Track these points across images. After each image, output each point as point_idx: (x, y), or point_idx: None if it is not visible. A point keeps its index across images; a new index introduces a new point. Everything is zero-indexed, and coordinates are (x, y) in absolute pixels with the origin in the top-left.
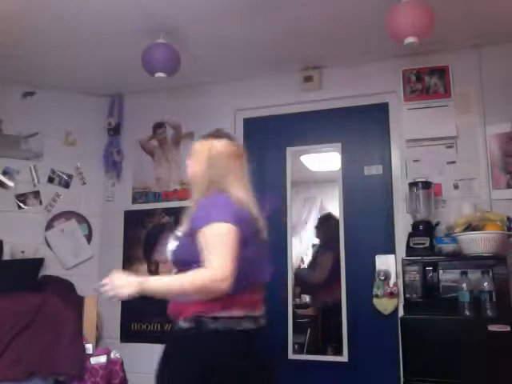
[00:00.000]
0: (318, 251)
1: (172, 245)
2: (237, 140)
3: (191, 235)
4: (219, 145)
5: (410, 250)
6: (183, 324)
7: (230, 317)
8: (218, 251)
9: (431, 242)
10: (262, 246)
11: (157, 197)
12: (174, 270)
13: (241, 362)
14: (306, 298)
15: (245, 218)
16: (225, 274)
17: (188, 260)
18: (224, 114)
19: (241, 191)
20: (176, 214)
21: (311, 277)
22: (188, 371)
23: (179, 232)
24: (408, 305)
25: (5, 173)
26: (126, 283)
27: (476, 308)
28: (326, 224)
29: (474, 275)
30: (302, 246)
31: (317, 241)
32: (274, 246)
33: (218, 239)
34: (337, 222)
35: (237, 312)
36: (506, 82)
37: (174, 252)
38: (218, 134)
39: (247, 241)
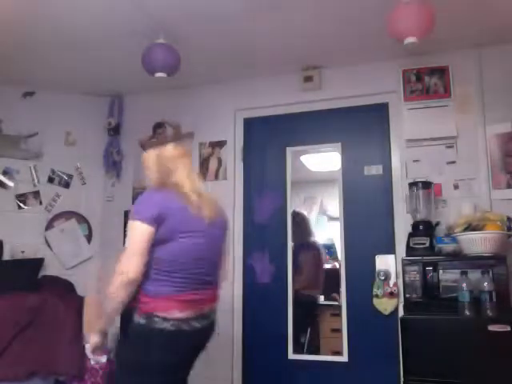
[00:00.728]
0: (297, 253)
1: None
2: (181, 143)
3: None
4: (165, 150)
5: (409, 250)
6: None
7: (151, 316)
8: (127, 249)
9: (431, 242)
10: (202, 244)
11: None
12: None
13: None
14: None
15: (170, 217)
16: (125, 269)
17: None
18: (224, 114)
19: (186, 186)
20: None
21: (300, 282)
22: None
23: None
24: (408, 305)
25: (5, 173)
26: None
27: (476, 308)
28: (294, 222)
29: (474, 275)
30: None
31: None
32: (273, 245)
33: (129, 237)
34: (303, 219)
35: (157, 312)
36: (506, 82)
37: None
38: (162, 141)
39: (171, 239)
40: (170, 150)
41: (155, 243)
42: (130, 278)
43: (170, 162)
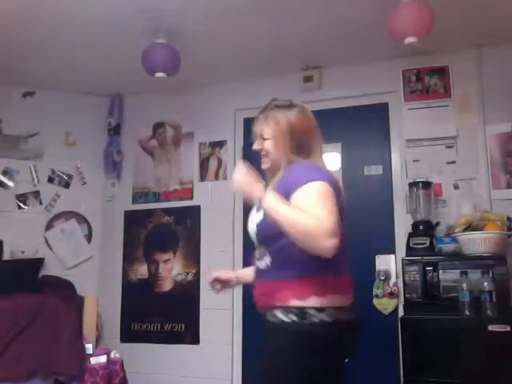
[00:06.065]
0: None
1: (258, 217)
2: (308, 110)
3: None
4: (295, 118)
5: (409, 250)
6: (283, 316)
7: (334, 306)
8: (322, 205)
9: (431, 242)
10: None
11: (157, 197)
12: (257, 245)
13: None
14: None
15: (336, 187)
16: (331, 227)
17: (274, 233)
18: (224, 114)
19: (320, 162)
20: (176, 214)
21: None
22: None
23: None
24: (408, 305)
25: (5, 173)
26: (253, 186)
27: (476, 308)
28: None
29: (474, 275)
30: None
31: None
32: None
33: (318, 195)
34: None
35: (338, 299)
36: (506, 82)
37: (259, 224)
38: (289, 105)
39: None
40: (300, 118)
41: None
42: (324, 246)
43: (303, 135)
